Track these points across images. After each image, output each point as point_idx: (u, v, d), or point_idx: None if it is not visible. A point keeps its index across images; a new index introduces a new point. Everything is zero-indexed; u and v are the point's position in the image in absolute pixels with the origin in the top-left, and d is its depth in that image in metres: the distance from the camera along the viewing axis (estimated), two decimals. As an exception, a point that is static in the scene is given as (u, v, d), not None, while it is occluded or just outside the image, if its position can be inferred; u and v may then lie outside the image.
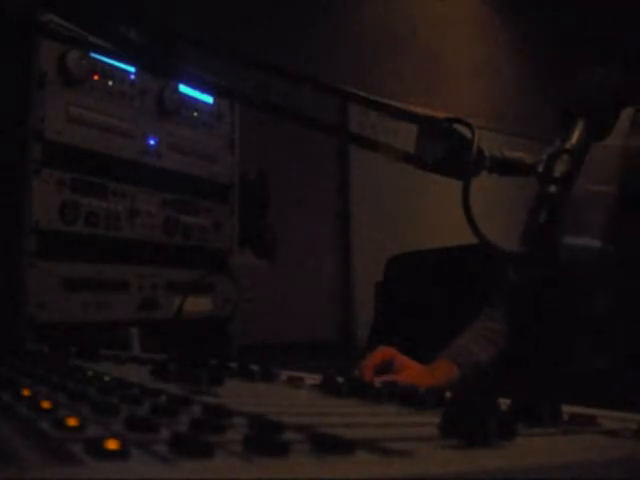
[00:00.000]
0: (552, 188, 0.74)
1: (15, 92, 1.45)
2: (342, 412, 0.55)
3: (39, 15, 1.15)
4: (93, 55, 1.51)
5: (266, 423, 0.38)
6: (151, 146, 1.67)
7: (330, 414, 0.53)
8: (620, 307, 1.00)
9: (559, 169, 0.74)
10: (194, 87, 1.70)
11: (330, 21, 3.09)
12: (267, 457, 0.31)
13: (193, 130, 1.80)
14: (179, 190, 1.74)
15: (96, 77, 1.54)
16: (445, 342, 1.16)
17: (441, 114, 0.77)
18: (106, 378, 0.60)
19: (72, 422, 0.36)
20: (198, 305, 1.72)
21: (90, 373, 0.64)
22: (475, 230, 0.70)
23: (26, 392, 0.48)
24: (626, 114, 1.03)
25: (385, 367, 1.04)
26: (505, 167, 0.77)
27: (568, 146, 0.77)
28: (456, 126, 0.75)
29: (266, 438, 0.33)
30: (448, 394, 0.58)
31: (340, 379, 0.65)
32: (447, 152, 0.74)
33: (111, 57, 1.44)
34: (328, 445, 0.33)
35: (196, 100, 1.80)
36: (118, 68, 1.59)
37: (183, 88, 1.75)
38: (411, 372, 1.04)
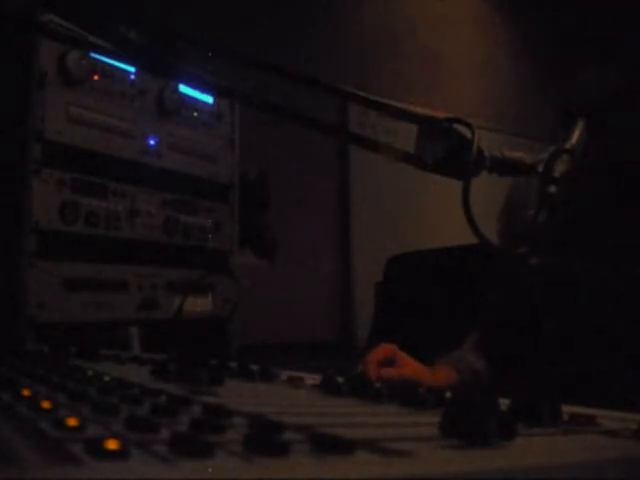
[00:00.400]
0: (552, 188, 0.74)
1: (15, 92, 1.45)
2: (342, 412, 0.55)
3: (39, 15, 1.15)
4: (93, 55, 1.51)
5: (266, 423, 0.38)
6: (151, 146, 1.67)
7: (330, 414, 0.53)
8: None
9: (559, 169, 0.74)
10: (194, 87, 1.70)
11: (330, 21, 3.09)
12: (267, 457, 0.31)
13: (193, 130, 1.80)
14: (179, 190, 1.74)
15: (96, 77, 1.54)
16: (445, 342, 1.16)
17: (441, 114, 0.77)
18: (106, 378, 0.60)
19: (72, 422, 0.36)
20: (198, 305, 1.72)
21: (90, 373, 0.64)
22: (475, 230, 0.70)
23: (26, 392, 0.48)
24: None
25: (387, 363, 1.05)
26: (505, 167, 0.77)
27: (568, 146, 0.77)
28: (456, 126, 0.75)
29: (266, 438, 0.33)
30: (448, 394, 0.58)
31: (340, 379, 0.65)
32: (447, 152, 0.74)
33: (111, 57, 1.44)
34: (328, 445, 0.33)
35: (196, 100, 1.80)
36: (118, 68, 1.59)
37: (183, 88, 1.75)
38: (413, 368, 1.05)
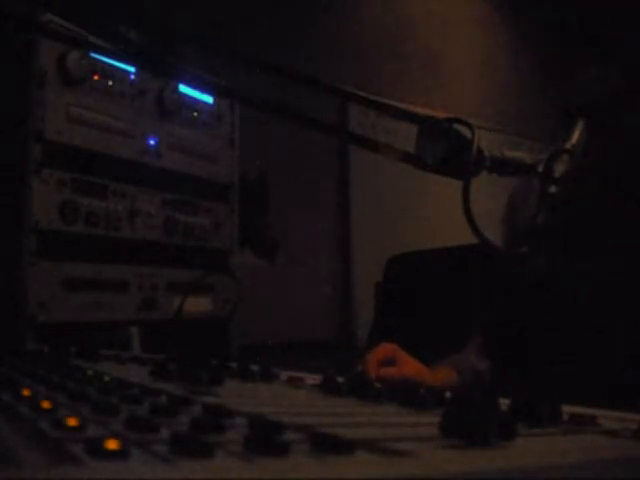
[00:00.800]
0: (552, 188, 0.74)
1: (15, 92, 1.45)
2: (342, 412, 0.55)
3: (39, 15, 1.15)
4: (93, 55, 1.51)
5: (266, 423, 0.38)
6: (151, 146, 1.67)
7: (330, 414, 0.53)
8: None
9: (559, 169, 0.74)
10: (194, 87, 1.70)
11: (330, 21, 3.08)
12: (267, 457, 0.31)
13: (193, 130, 1.80)
14: (179, 190, 1.74)
15: (96, 77, 1.54)
16: (445, 342, 1.16)
17: (441, 114, 0.77)
18: (106, 378, 0.60)
19: (72, 422, 0.36)
20: (198, 305, 1.72)
21: (90, 373, 0.64)
22: (475, 230, 0.70)
23: (26, 392, 0.48)
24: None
25: (387, 363, 1.05)
26: (505, 167, 0.77)
27: (568, 146, 0.77)
28: (456, 126, 0.75)
29: (266, 438, 0.33)
30: (448, 394, 0.58)
31: (340, 379, 0.65)
32: (447, 152, 0.74)
33: (111, 57, 1.44)
34: (328, 445, 0.33)
35: (196, 100, 1.80)
36: (118, 68, 1.59)
37: (183, 88, 1.75)
38: (413, 368, 1.05)
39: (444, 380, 1.08)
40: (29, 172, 1.39)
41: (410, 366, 1.06)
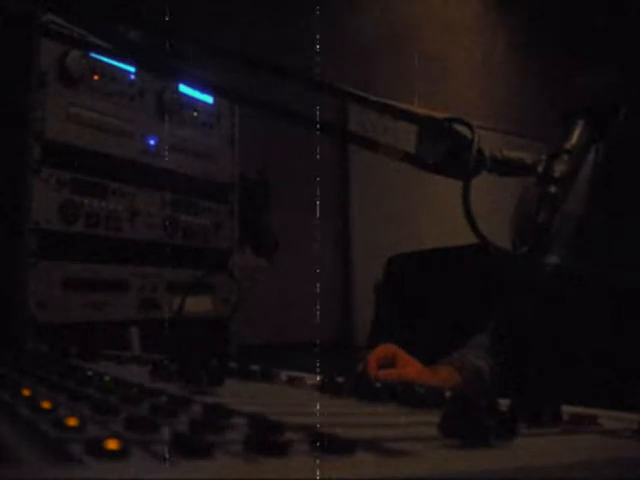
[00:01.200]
0: (552, 188, 0.74)
1: (15, 92, 1.45)
2: (342, 412, 0.55)
3: (39, 15, 1.15)
4: (93, 55, 1.51)
5: (266, 423, 0.38)
6: (151, 146, 1.67)
7: (330, 414, 0.53)
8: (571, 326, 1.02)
9: (559, 169, 0.74)
10: (194, 87, 1.70)
11: (330, 21, 3.08)
12: (267, 457, 0.31)
13: (193, 130, 1.80)
14: (179, 190, 1.74)
15: (96, 77, 1.54)
16: (445, 342, 1.16)
17: (441, 114, 0.77)
18: (106, 378, 0.60)
19: (72, 422, 0.35)
20: (198, 305, 1.72)
21: (90, 373, 0.64)
22: (475, 230, 0.70)
23: (26, 392, 0.48)
24: None
25: (388, 363, 1.05)
26: (505, 167, 0.76)
27: (568, 146, 0.76)
28: (456, 126, 0.75)
29: (266, 438, 0.33)
30: (448, 394, 0.57)
31: (340, 379, 0.65)
32: (447, 152, 0.74)
33: (111, 57, 1.44)
34: (328, 445, 0.33)
35: (196, 100, 1.80)
36: (118, 68, 1.59)
37: (183, 88, 1.75)
38: (414, 368, 1.05)
39: (445, 380, 1.08)
40: (29, 172, 1.39)
41: (410, 366, 1.06)
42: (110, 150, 1.57)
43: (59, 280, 1.42)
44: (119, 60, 1.47)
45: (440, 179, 0.76)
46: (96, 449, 0.30)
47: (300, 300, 2.78)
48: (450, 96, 3.50)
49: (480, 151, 0.74)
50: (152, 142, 1.68)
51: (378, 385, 0.60)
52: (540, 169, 0.75)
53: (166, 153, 1.71)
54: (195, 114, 1.80)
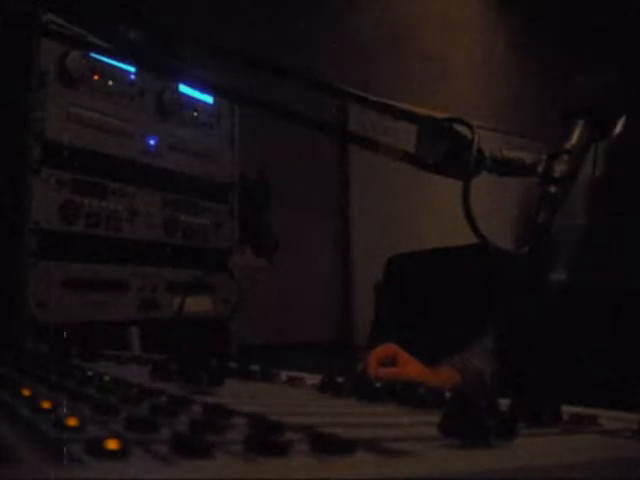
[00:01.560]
0: (552, 188, 0.74)
1: (15, 92, 1.45)
2: (342, 412, 0.55)
3: (39, 15, 1.15)
4: (93, 55, 1.51)
5: (266, 423, 0.38)
6: (151, 146, 1.67)
7: (330, 414, 0.53)
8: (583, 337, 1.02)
9: (559, 169, 0.74)
10: (194, 87, 1.70)
11: (330, 21, 3.08)
12: (267, 457, 0.31)
13: (193, 130, 1.80)
14: (179, 190, 1.74)
15: (96, 77, 1.54)
16: (445, 342, 1.16)
17: (441, 114, 0.77)
18: (106, 378, 0.60)
19: (72, 422, 0.35)
20: (198, 305, 1.72)
21: (90, 373, 0.64)
22: (475, 230, 0.70)
23: (26, 392, 0.48)
24: None
25: (388, 363, 1.05)
26: (505, 167, 0.76)
27: (568, 146, 0.76)
28: (456, 126, 0.75)
29: (266, 438, 0.33)
30: (448, 394, 0.57)
31: (340, 379, 0.65)
32: (447, 152, 0.74)
33: (111, 57, 1.44)
34: (328, 445, 0.33)
35: (196, 100, 1.80)
36: (118, 68, 1.59)
37: (183, 88, 1.75)
38: (414, 368, 1.05)
39: (445, 380, 1.08)
40: (29, 172, 1.39)
41: (411, 366, 1.06)
42: (110, 150, 1.57)
43: (59, 280, 1.42)
44: (119, 60, 1.47)
45: (440, 179, 0.76)
46: (96, 449, 0.30)
47: (300, 300, 2.78)
48: (450, 96, 3.50)
49: (480, 151, 0.74)
50: (152, 142, 1.68)
51: (378, 385, 0.60)
52: (540, 169, 0.75)
53: (166, 153, 1.71)
54: (195, 114, 1.80)
